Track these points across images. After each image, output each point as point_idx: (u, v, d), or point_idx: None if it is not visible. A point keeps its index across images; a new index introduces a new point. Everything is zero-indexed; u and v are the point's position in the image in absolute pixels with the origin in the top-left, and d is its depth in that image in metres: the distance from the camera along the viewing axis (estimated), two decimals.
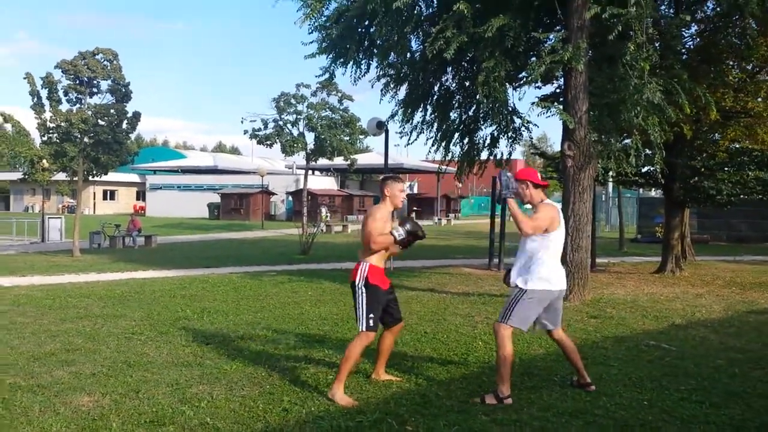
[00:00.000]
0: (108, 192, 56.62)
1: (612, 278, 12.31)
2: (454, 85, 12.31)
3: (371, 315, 4.74)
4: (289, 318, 7.99)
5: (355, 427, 4.11)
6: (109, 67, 17.09)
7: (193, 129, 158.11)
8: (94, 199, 54.71)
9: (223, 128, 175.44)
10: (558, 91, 12.34)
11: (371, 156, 44.04)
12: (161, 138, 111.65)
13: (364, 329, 4.73)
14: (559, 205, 5.14)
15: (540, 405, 4.56)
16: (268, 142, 31.96)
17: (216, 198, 42.27)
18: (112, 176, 47.15)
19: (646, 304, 9.17)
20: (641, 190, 26.02)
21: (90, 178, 17.96)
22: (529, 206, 5.01)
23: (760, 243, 23.93)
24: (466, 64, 11.74)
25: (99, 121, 16.85)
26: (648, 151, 11.45)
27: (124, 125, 17.34)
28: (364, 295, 4.76)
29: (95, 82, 17.09)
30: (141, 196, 55.63)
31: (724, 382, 5.21)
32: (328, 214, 33.68)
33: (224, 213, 40.94)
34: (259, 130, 32.34)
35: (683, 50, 12.25)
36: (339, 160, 35.09)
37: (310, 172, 38.32)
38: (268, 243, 22.46)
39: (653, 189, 18.81)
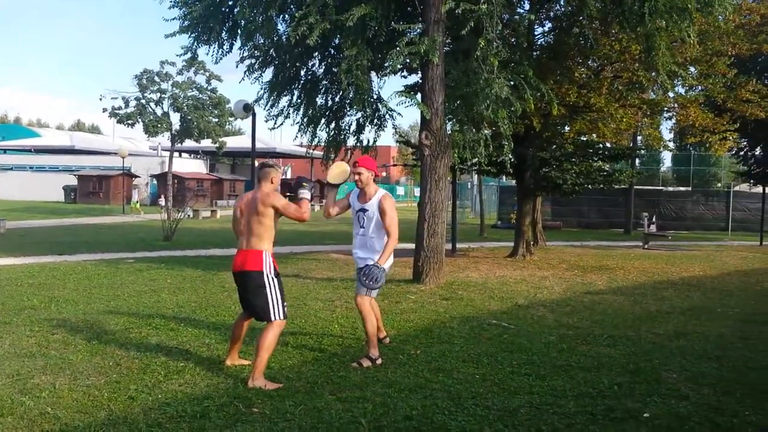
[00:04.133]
0: None
1: (469, 262, 12.99)
2: (321, 70, 12.37)
3: (285, 303, 4.89)
4: (144, 306, 7.79)
5: (202, 412, 4.15)
6: None
7: (49, 105, 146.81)
8: None
9: (84, 105, 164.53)
10: (421, 81, 12.77)
11: (242, 139, 43.07)
12: (12, 115, 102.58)
13: (280, 318, 4.83)
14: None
15: (384, 382, 4.82)
16: (130, 122, 30.45)
17: (73, 180, 39.67)
18: None
19: (494, 286, 9.80)
20: (504, 178, 27.50)
21: None
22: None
23: (605, 228, 26.40)
24: (332, 51, 11.86)
25: None
26: (504, 143, 12.17)
27: None
28: (276, 284, 4.86)
29: None
30: None
31: (552, 356, 5.73)
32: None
33: (82, 196, 38.51)
34: (120, 108, 30.75)
35: (535, 47, 13.07)
36: (207, 143, 34.12)
37: (176, 154, 37.03)
38: (129, 228, 21.48)
39: (507, 178, 19.93)
